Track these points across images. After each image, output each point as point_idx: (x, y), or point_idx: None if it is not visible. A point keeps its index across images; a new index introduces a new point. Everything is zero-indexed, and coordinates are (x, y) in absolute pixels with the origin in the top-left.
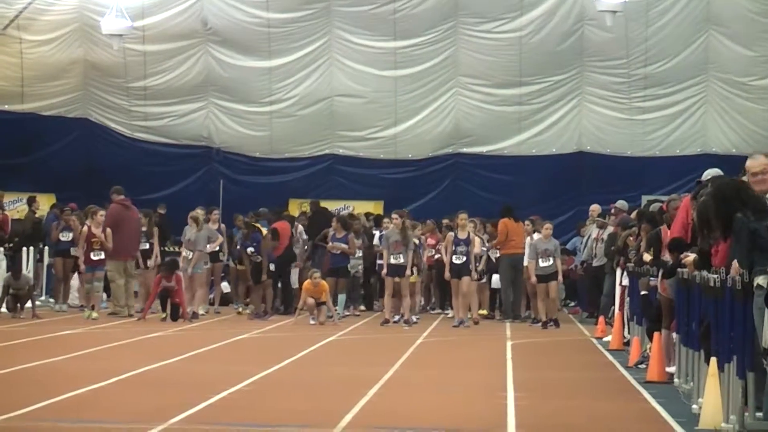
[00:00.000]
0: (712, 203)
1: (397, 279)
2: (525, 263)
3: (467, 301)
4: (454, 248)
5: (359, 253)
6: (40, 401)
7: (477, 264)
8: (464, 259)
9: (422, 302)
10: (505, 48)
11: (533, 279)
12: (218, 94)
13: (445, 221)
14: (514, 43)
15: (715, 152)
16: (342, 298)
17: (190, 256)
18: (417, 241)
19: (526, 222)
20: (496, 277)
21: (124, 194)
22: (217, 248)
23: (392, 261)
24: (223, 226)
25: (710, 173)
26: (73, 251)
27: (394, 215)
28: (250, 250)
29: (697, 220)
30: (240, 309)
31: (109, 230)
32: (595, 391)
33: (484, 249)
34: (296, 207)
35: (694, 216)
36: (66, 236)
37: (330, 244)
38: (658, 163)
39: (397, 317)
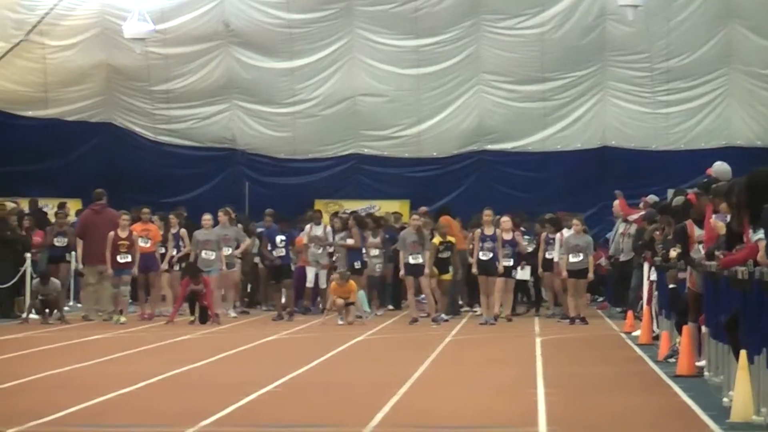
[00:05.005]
0: (744, 191)
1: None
2: (555, 258)
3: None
4: (481, 245)
5: (375, 252)
6: (71, 406)
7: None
8: (491, 255)
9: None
10: (527, 44)
11: (564, 274)
12: (241, 95)
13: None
14: (536, 40)
15: (740, 145)
16: (361, 294)
17: (212, 257)
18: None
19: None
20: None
21: (101, 198)
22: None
23: (411, 261)
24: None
25: (717, 167)
26: (67, 256)
27: (413, 216)
28: (280, 238)
29: (735, 203)
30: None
31: (135, 233)
32: (625, 386)
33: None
34: (322, 207)
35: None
36: (61, 241)
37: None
38: (682, 156)
39: (423, 314)
